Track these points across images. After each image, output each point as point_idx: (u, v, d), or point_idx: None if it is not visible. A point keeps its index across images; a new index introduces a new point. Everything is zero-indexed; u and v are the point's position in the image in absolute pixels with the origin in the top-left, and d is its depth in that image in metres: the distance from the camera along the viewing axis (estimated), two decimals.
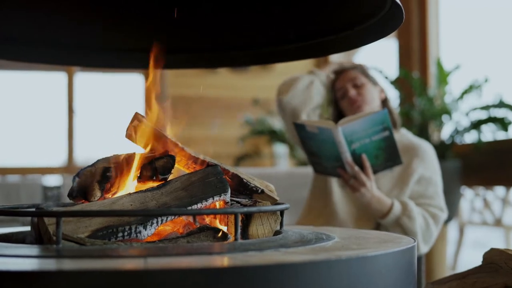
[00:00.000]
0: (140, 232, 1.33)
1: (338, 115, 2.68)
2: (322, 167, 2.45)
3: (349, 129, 2.23)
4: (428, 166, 2.52)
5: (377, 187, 2.41)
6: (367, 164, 2.31)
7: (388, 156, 2.33)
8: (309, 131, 2.31)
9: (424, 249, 2.44)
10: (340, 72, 2.66)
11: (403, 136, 2.63)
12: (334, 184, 2.59)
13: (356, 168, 2.31)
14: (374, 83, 2.63)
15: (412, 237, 2.32)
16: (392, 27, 1.71)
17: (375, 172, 2.36)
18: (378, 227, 2.45)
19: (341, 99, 2.63)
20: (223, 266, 1.07)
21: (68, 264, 1.06)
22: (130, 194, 1.43)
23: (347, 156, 2.29)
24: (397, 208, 2.37)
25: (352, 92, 2.57)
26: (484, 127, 4.02)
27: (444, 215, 2.47)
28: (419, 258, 2.59)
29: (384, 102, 2.64)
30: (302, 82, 2.66)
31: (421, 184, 2.49)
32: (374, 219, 2.45)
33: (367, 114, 2.25)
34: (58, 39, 2.03)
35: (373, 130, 2.24)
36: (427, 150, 2.58)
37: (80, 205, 1.42)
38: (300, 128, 2.35)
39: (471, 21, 5.79)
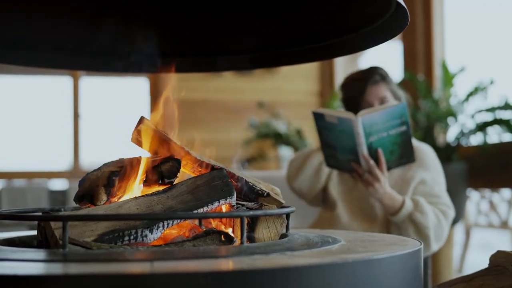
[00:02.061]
0: (146, 236, 1.33)
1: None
2: (335, 160, 2.43)
3: (369, 120, 2.23)
4: (429, 169, 2.52)
5: None
6: (383, 159, 2.31)
7: (403, 152, 2.33)
8: (328, 121, 2.31)
9: (435, 246, 2.43)
10: (372, 84, 2.54)
11: None
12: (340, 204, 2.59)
13: (372, 162, 2.31)
14: (398, 100, 2.58)
15: (425, 232, 2.35)
16: (397, 30, 1.70)
17: (388, 168, 2.36)
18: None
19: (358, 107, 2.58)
20: (229, 270, 1.07)
21: (75, 268, 1.06)
22: (136, 198, 1.43)
23: (364, 149, 2.29)
24: (409, 204, 2.37)
25: None
26: (489, 129, 4.01)
27: (452, 212, 2.47)
28: (426, 259, 2.59)
29: None
30: (311, 165, 2.64)
31: (426, 185, 2.48)
32: (380, 230, 2.46)
33: (387, 106, 2.26)
34: (64, 44, 2.03)
35: (391, 123, 2.26)
36: (426, 152, 2.58)
37: (86, 209, 1.42)
38: (318, 118, 2.35)
39: (476, 23, 5.79)
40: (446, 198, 2.50)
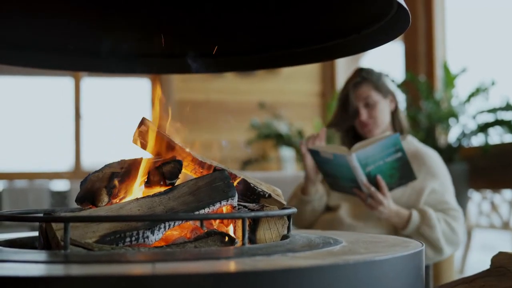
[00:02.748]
0: (147, 237, 1.33)
1: (351, 128, 2.68)
2: (338, 186, 2.50)
3: (363, 155, 2.27)
4: (437, 175, 2.53)
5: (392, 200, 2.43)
6: (383, 184, 2.35)
7: (402, 174, 2.37)
8: (324, 157, 2.37)
9: (450, 251, 2.46)
10: (354, 86, 2.60)
11: (410, 143, 2.63)
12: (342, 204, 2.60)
13: (372, 188, 2.35)
14: (386, 94, 2.61)
15: (435, 244, 2.38)
16: (399, 31, 1.70)
17: (390, 189, 2.40)
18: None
19: (351, 117, 2.61)
20: (231, 271, 1.07)
21: (76, 270, 1.06)
22: (137, 199, 1.43)
23: (363, 179, 2.33)
24: (415, 218, 2.40)
25: (364, 115, 2.56)
26: (491, 130, 4.01)
27: (461, 214, 2.50)
28: (427, 266, 2.59)
29: (394, 113, 2.64)
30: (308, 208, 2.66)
31: (437, 193, 2.50)
32: (386, 232, 2.47)
33: (379, 139, 2.28)
34: (65, 45, 2.03)
35: (386, 152, 2.29)
36: (433, 157, 2.59)
37: (88, 210, 1.42)
38: (314, 154, 2.41)
39: (477, 23, 5.79)
40: (454, 203, 2.52)
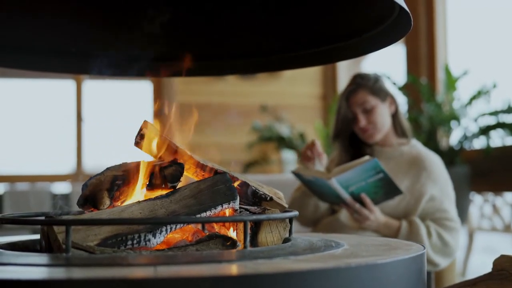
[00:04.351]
0: (149, 240, 1.33)
1: (350, 135, 2.67)
2: (327, 200, 2.53)
3: (343, 179, 2.29)
4: (437, 181, 2.51)
5: (381, 212, 2.45)
6: (368, 200, 2.36)
7: (387, 190, 2.37)
8: (306, 179, 2.41)
9: (444, 263, 2.46)
10: (349, 94, 2.59)
11: (413, 147, 2.62)
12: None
13: (357, 205, 2.37)
14: (384, 98, 2.59)
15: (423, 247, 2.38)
16: (401, 34, 1.70)
17: (376, 203, 2.41)
18: None
19: (352, 122, 2.61)
20: (233, 275, 1.07)
21: (78, 273, 1.06)
22: (139, 202, 1.43)
23: (346, 197, 2.36)
24: (404, 229, 2.42)
25: (363, 122, 2.55)
26: (492, 133, 4.01)
27: (458, 225, 2.49)
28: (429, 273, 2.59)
29: (395, 116, 2.63)
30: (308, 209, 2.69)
31: (436, 200, 2.49)
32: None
33: (358, 163, 2.28)
34: (67, 48, 2.03)
35: (366, 175, 2.30)
36: (435, 162, 2.58)
37: (90, 213, 1.43)
38: (297, 176, 2.46)
39: (479, 26, 5.78)
40: (453, 211, 2.51)
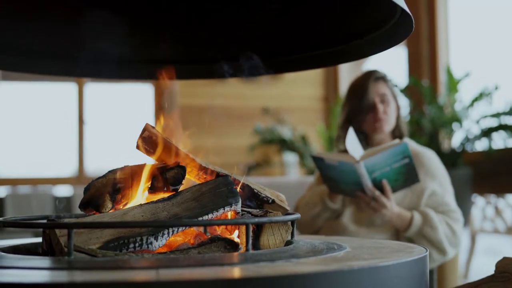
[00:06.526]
0: (151, 243, 1.33)
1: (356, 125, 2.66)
2: (339, 189, 2.51)
3: (371, 162, 2.30)
4: (436, 176, 2.54)
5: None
6: (388, 187, 2.38)
7: (407, 178, 2.39)
8: (328, 164, 2.38)
9: (452, 253, 2.49)
10: (371, 79, 2.62)
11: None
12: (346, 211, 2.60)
13: (377, 192, 2.37)
14: (395, 98, 2.66)
15: (438, 246, 2.39)
16: (402, 36, 1.70)
17: (393, 191, 2.42)
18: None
19: (366, 109, 2.60)
20: (235, 277, 1.07)
21: (80, 276, 1.06)
22: (141, 205, 1.43)
23: (368, 183, 2.36)
24: (417, 219, 2.43)
25: (381, 109, 2.58)
26: (494, 135, 4.00)
27: (461, 216, 2.53)
28: (431, 271, 2.59)
29: (397, 118, 2.66)
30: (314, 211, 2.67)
31: (437, 195, 2.51)
32: (389, 237, 2.48)
33: (388, 147, 2.31)
34: (69, 51, 2.03)
35: (393, 160, 2.32)
36: (431, 158, 2.61)
37: (92, 216, 1.42)
38: (318, 161, 2.42)
39: (480, 28, 5.78)
40: (453, 204, 2.55)
